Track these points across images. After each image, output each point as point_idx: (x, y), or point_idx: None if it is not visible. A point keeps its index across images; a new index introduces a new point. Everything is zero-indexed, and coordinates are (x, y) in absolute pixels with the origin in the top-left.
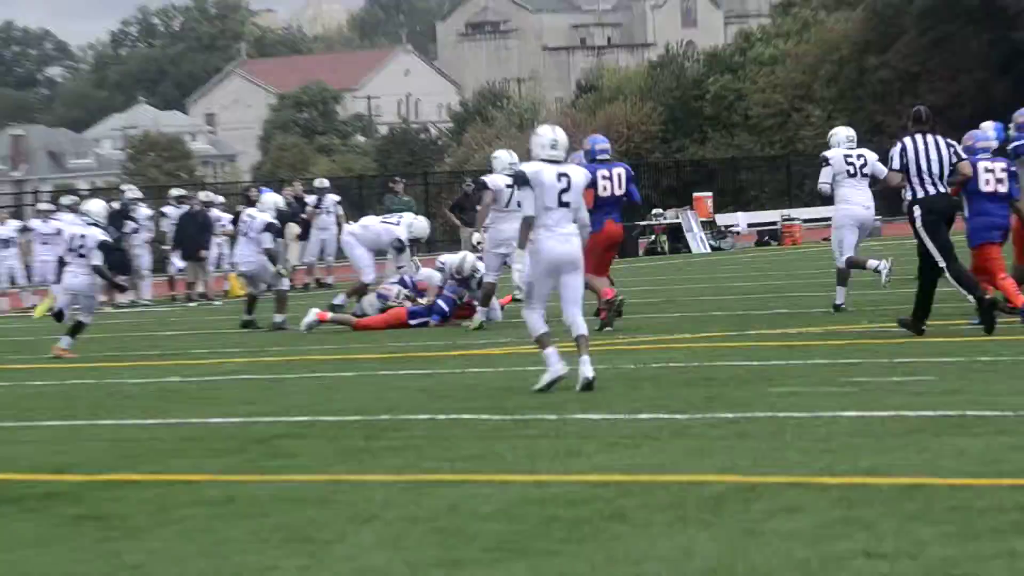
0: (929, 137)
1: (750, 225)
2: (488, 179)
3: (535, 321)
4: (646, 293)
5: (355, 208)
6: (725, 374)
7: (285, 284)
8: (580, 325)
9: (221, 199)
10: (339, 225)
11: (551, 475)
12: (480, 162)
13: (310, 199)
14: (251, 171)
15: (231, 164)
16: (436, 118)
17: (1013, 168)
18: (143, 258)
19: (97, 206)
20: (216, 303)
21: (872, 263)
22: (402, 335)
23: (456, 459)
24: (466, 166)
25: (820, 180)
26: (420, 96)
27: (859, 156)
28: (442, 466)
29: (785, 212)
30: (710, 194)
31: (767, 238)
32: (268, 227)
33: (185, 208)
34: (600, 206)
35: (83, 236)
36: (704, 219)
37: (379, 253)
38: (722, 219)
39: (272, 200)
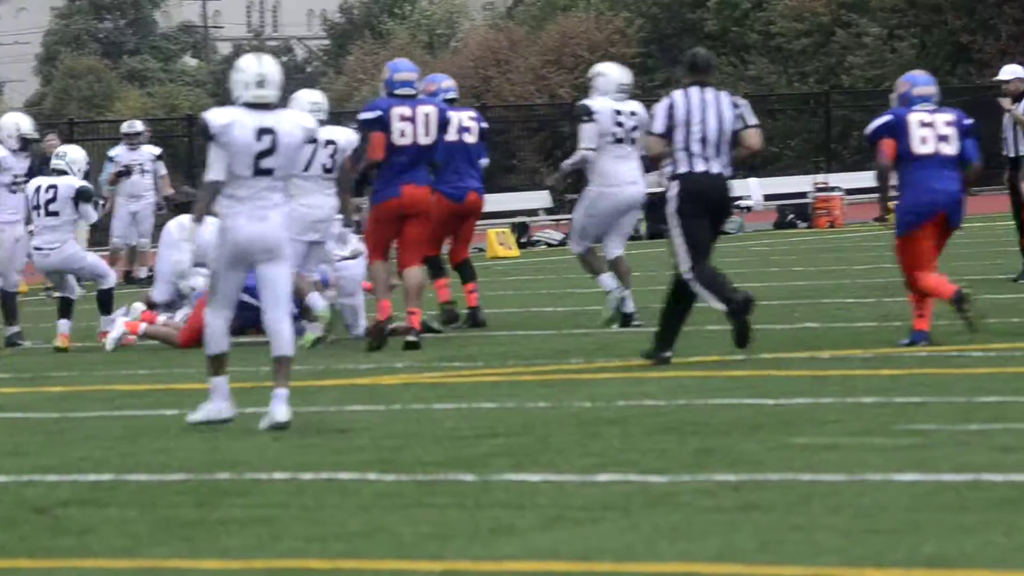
0: (708, 93)
1: (767, 197)
2: None
3: (215, 332)
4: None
5: (182, 166)
6: (724, 417)
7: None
8: (284, 340)
9: None
10: (158, 191)
11: (467, 562)
12: (368, 99)
13: (116, 152)
14: (25, 108)
15: None
16: (305, 32)
17: (967, 122)
18: None
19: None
20: None
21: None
22: (250, 354)
23: (329, 538)
24: (348, 105)
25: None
26: None
27: (631, 113)
28: (309, 548)
29: (820, 178)
30: None
31: (792, 216)
32: (82, 195)
33: None
34: (394, 161)
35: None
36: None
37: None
38: None
39: (81, 156)
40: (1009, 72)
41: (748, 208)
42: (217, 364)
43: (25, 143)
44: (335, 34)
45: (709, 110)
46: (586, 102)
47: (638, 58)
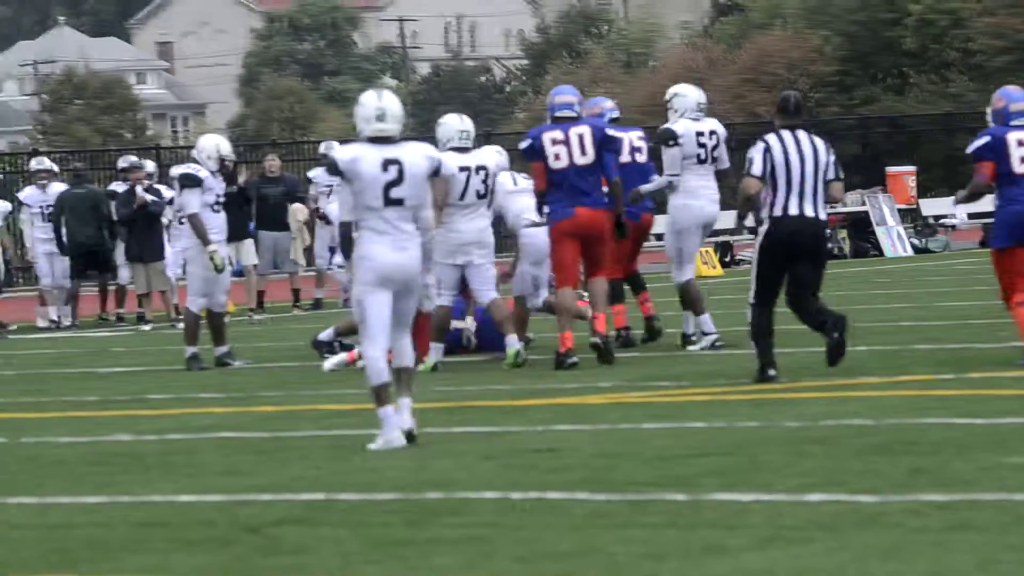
0: (801, 135)
1: (972, 216)
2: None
3: (374, 363)
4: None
5: None
6: (934, 437)
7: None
8: (406, 354)
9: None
10: None
11: None
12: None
13: (315, 173)
14: (227, 129)
15: (197, 119)
16: (503, 52)
17: None
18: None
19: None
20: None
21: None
22: (452, 372)
23: (541, 558)
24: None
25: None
26: (477, 17)
27: (711, 133)
28: (521, 568)
29: None
30: (912, 169)
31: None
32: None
33: (129, 186)
34: (558, 184)
35: None
36: (903, 206)
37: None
38: (930, 206)
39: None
40: None
41: (953, 227)
42: (382, 395)
43: (223, 165)
44: (533, 54)
45: (806, 153)
46: (670, 126)
47: (836, 76)
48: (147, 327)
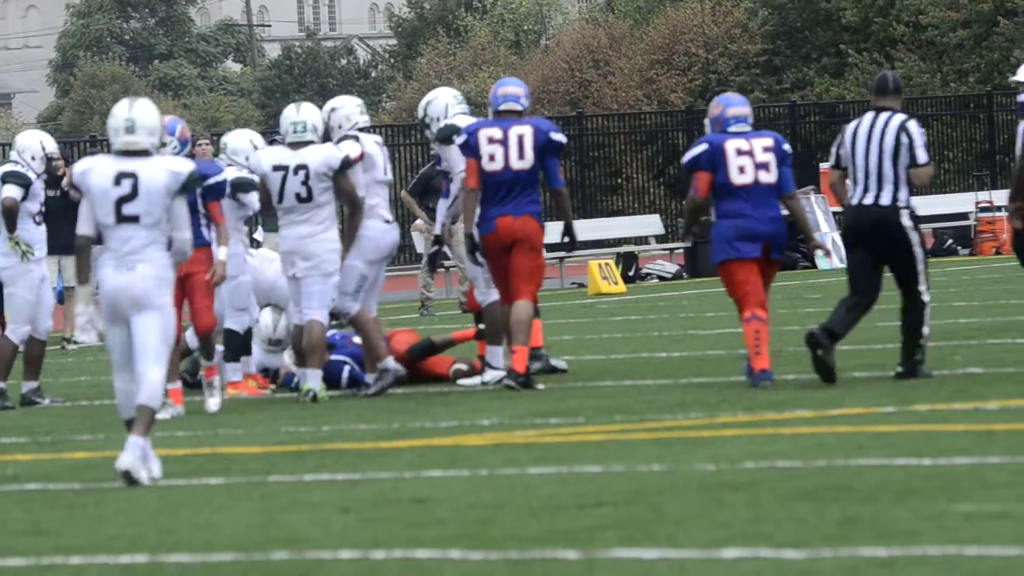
0: (881, 118)
1: (921, 219)
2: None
3: (118, 395)
4: (733, 339)
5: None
6: (871, 481)
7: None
8: (145, 388)
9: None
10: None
11: None
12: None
13: None
14: (39, 123)
15: (2, 111)
16: (368, 30)
17: (785, 147)
18: None
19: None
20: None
21: None
22: (304, 408)
23: None
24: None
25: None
26: None
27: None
28: None
29: (983, 196)
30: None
31: (951, 242)
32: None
33: None
34: (488, 190)
35: None
36: (839, 209)
37: None
38: None
39: (245, 139)
40: None
41: None
42: (129, 427)
43: (49, 165)
44: (403, 32)
45: (874, 138)
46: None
47: (763, 56)
48: None
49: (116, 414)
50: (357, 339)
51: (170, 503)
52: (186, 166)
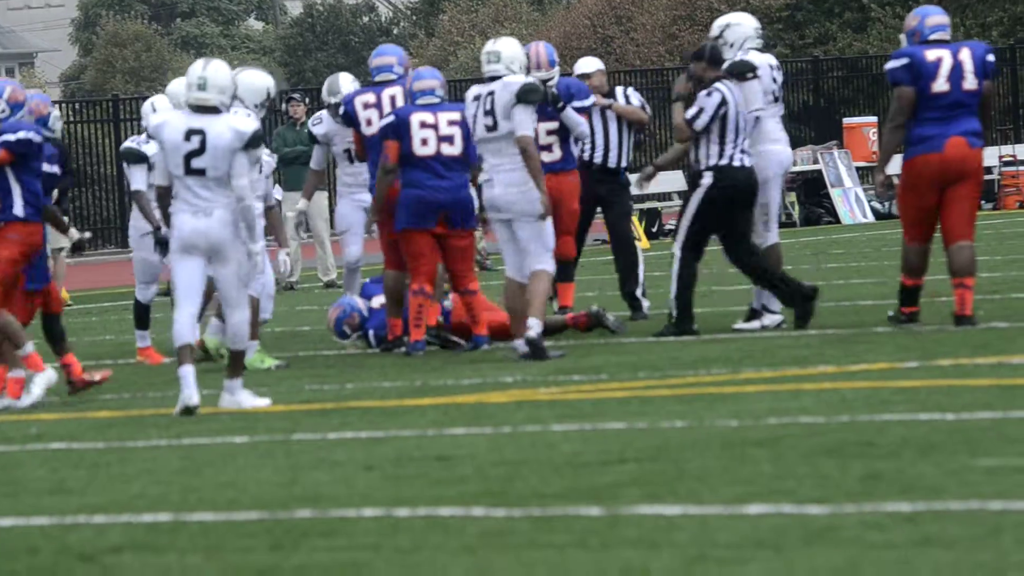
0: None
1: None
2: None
3: (179, 325)
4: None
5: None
6: (895, 436)
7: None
8: (230, 331)
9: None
10: None
11: None
12: (468, 66)
13: None
14: (62, 82)
15: (25, 70)
16: None
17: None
18: None
19: None
20: None
21: None
22: (328, 367)
23: None
24: (443, 72)
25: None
26: None
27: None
28: None
29: (1007, 150)
30: (874, 120)
31: None
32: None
33: None
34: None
35: None
36: (863, 164)
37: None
38: (896, 164)
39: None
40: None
41: None
42: (181, 355)
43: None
44: None
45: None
46: (744, 57)
47: (785, 11)
48: None
49: (140, 374)
50: (375, 303)
51: (194, 462)
52: (250, 124)
